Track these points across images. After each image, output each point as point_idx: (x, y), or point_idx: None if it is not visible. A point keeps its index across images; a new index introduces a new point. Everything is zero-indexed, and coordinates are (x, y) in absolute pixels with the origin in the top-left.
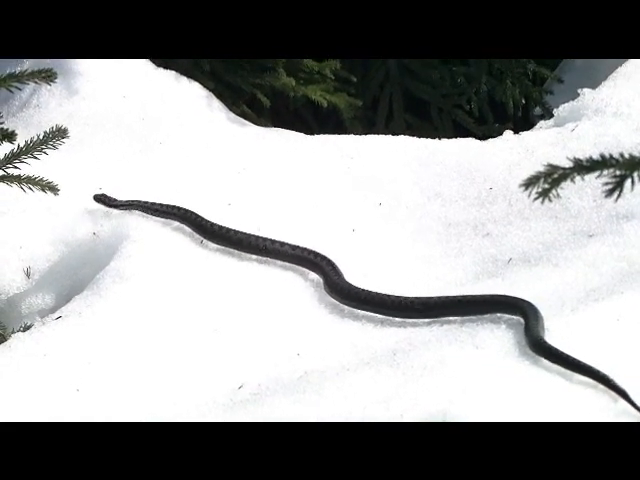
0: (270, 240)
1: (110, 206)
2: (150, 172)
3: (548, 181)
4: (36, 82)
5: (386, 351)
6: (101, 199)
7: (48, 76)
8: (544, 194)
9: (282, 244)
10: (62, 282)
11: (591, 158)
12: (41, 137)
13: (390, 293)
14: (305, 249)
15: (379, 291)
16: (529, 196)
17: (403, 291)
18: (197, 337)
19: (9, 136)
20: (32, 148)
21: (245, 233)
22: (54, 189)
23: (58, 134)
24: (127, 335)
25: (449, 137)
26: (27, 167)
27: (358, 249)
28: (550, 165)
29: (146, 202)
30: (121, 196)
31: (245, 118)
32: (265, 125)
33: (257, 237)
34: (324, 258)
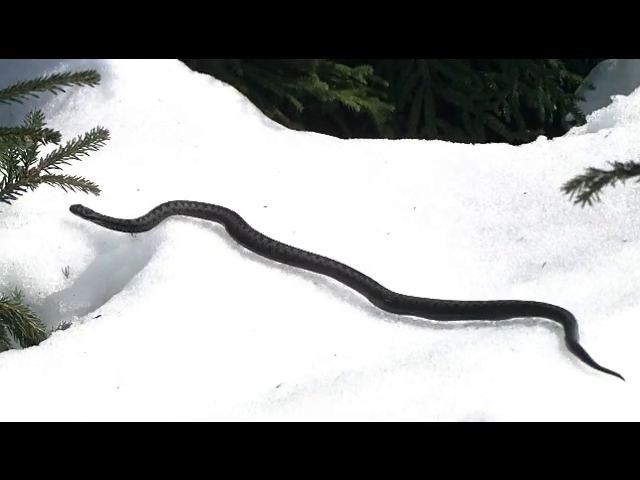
0: (315, 255)
1: (86, 218)
2: (186, 175)
3: (589, 185)
4: (79, 84)
5: (422, 353)
6: (77, 210)
7: (91, 78)
8: (584, 198)
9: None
10: (100, 282)
11: (632, 162)
12: (82, 138)
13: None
14: (347, 266)
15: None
16: (570, 199)
17: (437, 295)
18: (235, 337)
19: (53, 137)
20: (74, 149)
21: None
22: (95, 190)
23: (99, 135)
24: (166, 334)
25: (481, 143)
26: (67, 168)
27: (393, 253)
28: (591, 169)
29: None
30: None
31: (278, 122)
32: (298, 129)
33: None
34: (362, 274)
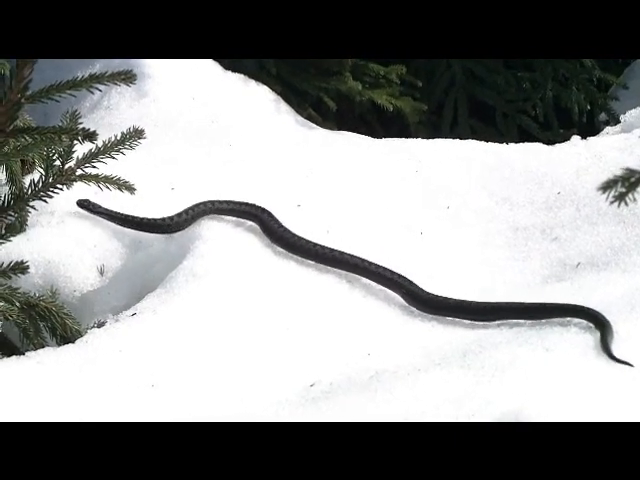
0: (350, 255)
1: (94, 212)
2: (220, 173)
3: (625, 185)
4: (116, 83)
5: (456, 352)
6: (84, 205)
7: (128, 78)
8: (621, 198)
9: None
10: (134, 280)
11: None
12: (118, 137)
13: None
14: (379, 265)
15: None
16: (606, 199)
17: (471, 295)
18: (269, 335)
19: (90, 136)
20: (109, 148)
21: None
22: (131, 188)
23: (135, 135)
24: (201, 332)
25: (514, 142)
26: (102, 167)
27: (426, 252)
28: (628, 169)
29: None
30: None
31: (311, 121)
32: (330, 128)
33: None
34: (398, 274)
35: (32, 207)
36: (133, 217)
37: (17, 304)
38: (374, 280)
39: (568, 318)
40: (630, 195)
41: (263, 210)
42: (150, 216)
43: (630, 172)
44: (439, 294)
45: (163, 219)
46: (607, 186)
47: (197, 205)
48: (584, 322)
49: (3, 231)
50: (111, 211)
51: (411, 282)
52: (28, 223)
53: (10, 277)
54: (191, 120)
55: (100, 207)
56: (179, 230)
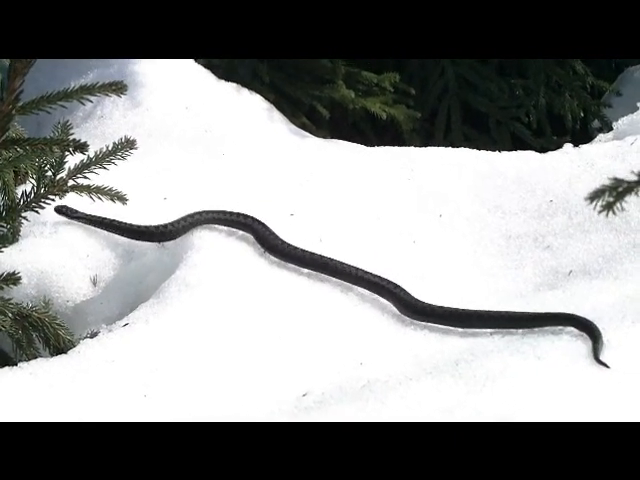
0: (342, 263)
1: (72, 218)
2: (213, 183)
3: (613, 194)
4: (107, 94)
5: (448, 361)
6: (62, 210)
7: (119, 88)
8: (609, 207)
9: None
10: (127, 290)
11: None
12: (110, 148)
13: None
14: (372, 274)
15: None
16: (594, 209)
17: (463, 303)
18: (262, 344)
19: (81, 147)
20: (101, 159)
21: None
22: (123, 199)
23: (126, 145)
24: (193, 342)
25: (507, 150)
26: (94, 177)
27: (419, 260)
28: (615, 179)
29: (105, 218)
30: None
31: (304, 130)
32: (324, 137)
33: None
34: (390, 282)
35: (24, 218)
36: (111, 220)
37: (10, 315)
38: (366, 288)
39: (560, 327)
40: (618, 204)
41: (255, 220)
42: (130, 221)
43: (618, 181)
44: (431, 302)
45: (140, 226)
46: (595, 195)
47: (189, 216)
48: (576, 330)
49: None
50: (89, 215)
51: (403, 290)
52: (21, 234)
53: (2, 288)
54: (184, 129)
55: (77, 212)
56: (168, 240)
